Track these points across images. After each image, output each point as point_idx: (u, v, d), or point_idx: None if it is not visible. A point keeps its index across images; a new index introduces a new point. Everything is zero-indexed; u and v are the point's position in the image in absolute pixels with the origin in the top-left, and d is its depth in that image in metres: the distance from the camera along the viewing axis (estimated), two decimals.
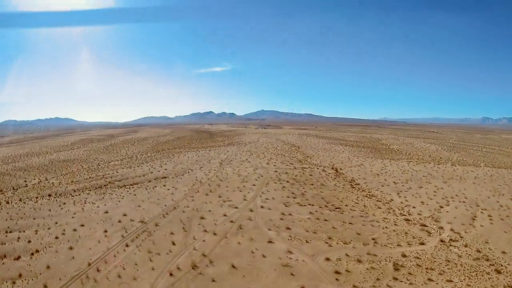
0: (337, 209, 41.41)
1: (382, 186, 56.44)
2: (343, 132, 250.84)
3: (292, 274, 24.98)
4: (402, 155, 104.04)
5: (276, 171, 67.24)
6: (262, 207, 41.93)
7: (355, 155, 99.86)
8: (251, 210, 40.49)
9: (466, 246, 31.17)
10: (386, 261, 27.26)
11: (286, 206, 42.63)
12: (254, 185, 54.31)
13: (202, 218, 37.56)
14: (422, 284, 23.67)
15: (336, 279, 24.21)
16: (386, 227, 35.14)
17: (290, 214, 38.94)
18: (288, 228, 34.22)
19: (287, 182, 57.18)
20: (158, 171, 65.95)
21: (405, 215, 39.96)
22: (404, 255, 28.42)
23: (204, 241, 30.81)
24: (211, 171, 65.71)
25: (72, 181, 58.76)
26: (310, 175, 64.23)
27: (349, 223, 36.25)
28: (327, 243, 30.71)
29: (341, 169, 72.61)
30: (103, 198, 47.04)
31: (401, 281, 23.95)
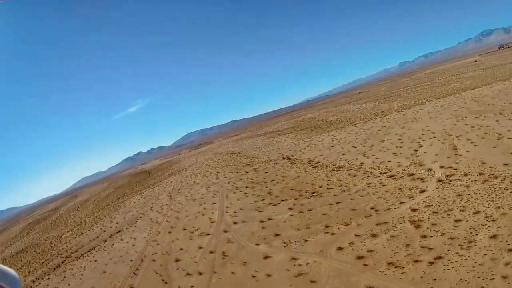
0: (314, 194, 43.33)
1: (343, 154, 60.68)
2: (274, 124, 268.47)
3: (312, 281, 24.69)
4: (344, 122, 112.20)
5: (229, 181, 72.47)
6: (235, 223, 43.29)
7: (299, 138, 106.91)
8: (226, 231, 41.44)
9: (466, 175, 34.31)
10: (400, 223, 28.41)
11: (260, 211, 44.12)
12: (214, 203, 57.27)
13: (177, 260, 37.63)
14: (453, 229, 24.81)
15: (364, 264, 24.26)
16: (377, 192, 37.27)
17: (270, 219, 40.01)
18: (277, 235, 34.76)
19: (246, 187, 60.76)
20: (111, 227, 70.32)
21: (386, 173, 42.85)
22: (414, 210, 30.03)
23: (192, 287, 30.36)
24: (163, 207, 70.19)
25: (29, 272, 60.59)
26: (266, 172, 68.78)
27: (336, 203, 37.80)
28: (327, 232, 31.32)
29: (292, 155, 77.84)
30: (65, 278, 46.80)
31: (432, 236, 24.87)
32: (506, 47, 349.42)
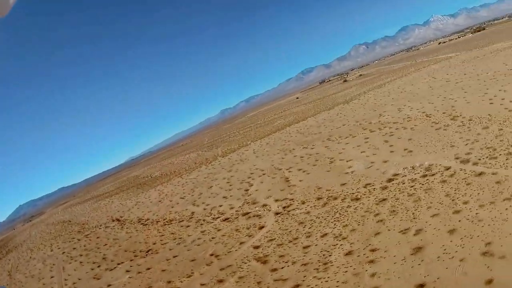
0: (149, 252, 45.11)
1: (173, 207, 62.77)
2: (101, 187, 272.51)
3: None
4: (169, 175, 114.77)
5: (63, 252, 72.91)
6: None
7: (125, 198, 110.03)
8: None
9: (304, 202, 36.96)
10: (245, 263, 28.99)
11: (98, 279, 45.08)
12: (52, 277, 57.38)
13: None
14: (304, 255, 25.68)
15: None
16: (213, 238, 38.46)
17: (109, 285, 40.91)
18: None
19: (81, 256, 61.58)
20: None
21: (219, 217, 44.68)
22: (256, 247, 30.86)
23: None
24: None
25: None
26: (97, 237, 70.25)
27: (174, 256, 38.99)
28: None
29: (121, 216, 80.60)
30: None
31: (283, 268, 25.46)
32: (327, 81, 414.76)
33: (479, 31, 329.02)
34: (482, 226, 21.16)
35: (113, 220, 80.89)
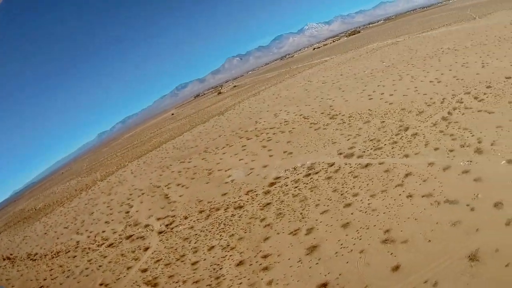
0: None
1: (58, 238, 59.76)
2: None
3: None
4: (52, 205, 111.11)
5: None
6: None
7: (13, 234, 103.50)
8: None
9: (186, 217, 36.37)
10: None
11: None
12: None
13: None
14: (194, 273, 24.69)
15: None
16: (100, 266, 36.51)
17: None
18: None
19: None
20: None
21: (104, 243, 43.02)
22: (144, 270, 29.54)
23: None
24: None
25: None
26: None
27: None
28: None
29: (11, 254, 75.21)
30: None
31: None
32: (202, 95, 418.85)
33: (354, 34, 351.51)
34: (377, 215, 21.48)
35: (4, 259, 74.83)
